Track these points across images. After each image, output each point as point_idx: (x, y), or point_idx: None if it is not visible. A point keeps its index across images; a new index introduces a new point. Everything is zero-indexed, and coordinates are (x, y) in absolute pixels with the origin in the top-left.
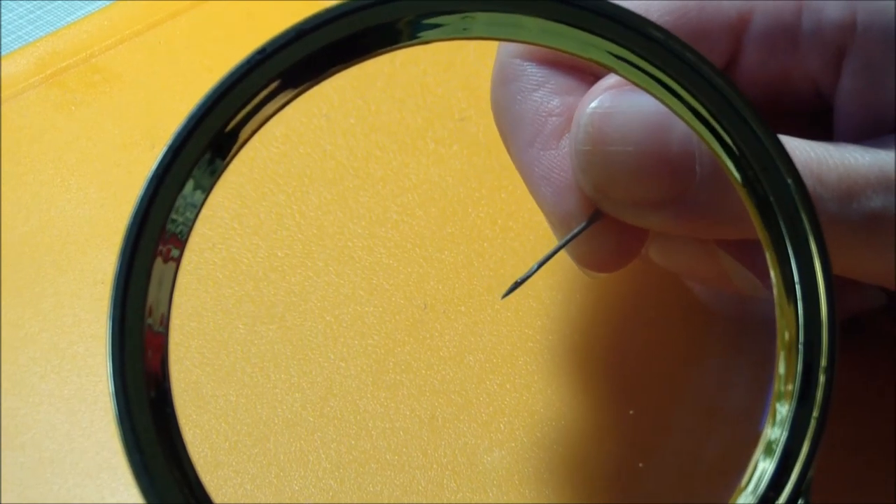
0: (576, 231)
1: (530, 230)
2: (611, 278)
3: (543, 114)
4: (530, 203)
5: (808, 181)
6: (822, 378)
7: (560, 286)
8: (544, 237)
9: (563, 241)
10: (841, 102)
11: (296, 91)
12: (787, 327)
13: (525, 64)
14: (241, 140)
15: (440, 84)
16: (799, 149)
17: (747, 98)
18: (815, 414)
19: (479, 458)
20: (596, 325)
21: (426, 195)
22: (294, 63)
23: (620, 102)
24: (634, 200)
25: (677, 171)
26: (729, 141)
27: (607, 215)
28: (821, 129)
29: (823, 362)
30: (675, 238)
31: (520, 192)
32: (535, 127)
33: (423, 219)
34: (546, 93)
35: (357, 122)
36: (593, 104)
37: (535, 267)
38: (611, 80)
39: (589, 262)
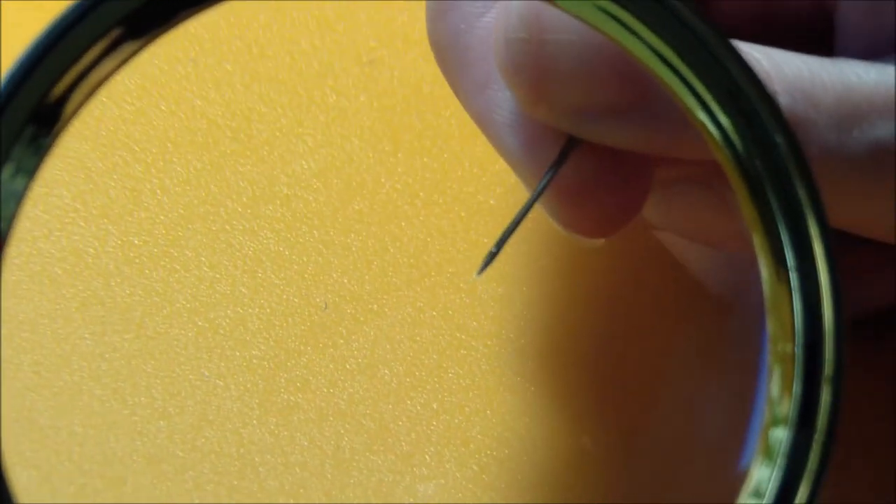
0: (548, 176)
1: (462, 205)
2: (566, 263)
3: None
4: (462, 170)
5: (800, 104)
6: (826, 392)
7: (501, 277)
8: (481, 212)
9: (539, 188)
10: (844, 15)
11: (142, 41)
12: (782, 332)
13: None
14: (71, 108)
15: (342, 17)
16: (787, 63)
17: (712, 25)
18: (817, 439)
19: (398, 498)
20: (547, 325)
21: (325, 162)
22: (141, 3)
23: None
24: (579, 104)
25: (634, 67)
26: (700, 89)
27: (586, 153)
28: (822, 52)
29: (828, 371)
30: (681, 187)
31: (447, 156)
32: (488, 62)
33: (321, 192)
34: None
35: (234, 69)
36: None
37: (511, 227)
38: None
39: (577, 221)
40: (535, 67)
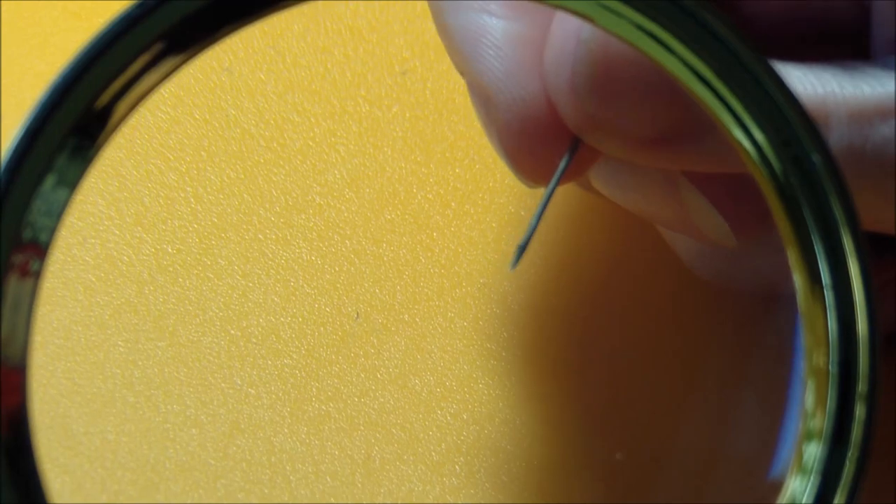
0: (564, 164)
1: (493, 215)
2: (597, 278)
3: None
4: (494, 180)
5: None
6: (860, 409)
7: (530, 286)
8: (513, 223)
9: (556, 176)
10: (880, 11)
11: (183, 56)
12: (817, 347)
13: None
14: (115, 119)
15: (375, 27)
16: (801, 81)
17: (749, 41)
18: (851, 455)
19: None
20: (578, 336)
21: (358, 171)
22: (183, 18)
23: None
24: (638, 134)
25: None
26: (736, 106)
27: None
28: (859, 49)
29: (862, 388)
30: (628, 163)
31: (479, 167)
32: None
33: (353, 202)
34: None
35: (268, 78)
36: None
37: (536, 218)
38: None
39: (517, 165)
40: (600, 99)
